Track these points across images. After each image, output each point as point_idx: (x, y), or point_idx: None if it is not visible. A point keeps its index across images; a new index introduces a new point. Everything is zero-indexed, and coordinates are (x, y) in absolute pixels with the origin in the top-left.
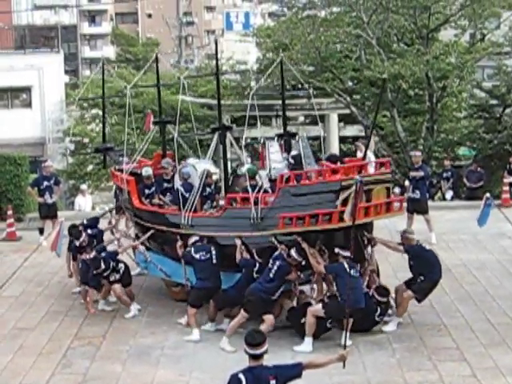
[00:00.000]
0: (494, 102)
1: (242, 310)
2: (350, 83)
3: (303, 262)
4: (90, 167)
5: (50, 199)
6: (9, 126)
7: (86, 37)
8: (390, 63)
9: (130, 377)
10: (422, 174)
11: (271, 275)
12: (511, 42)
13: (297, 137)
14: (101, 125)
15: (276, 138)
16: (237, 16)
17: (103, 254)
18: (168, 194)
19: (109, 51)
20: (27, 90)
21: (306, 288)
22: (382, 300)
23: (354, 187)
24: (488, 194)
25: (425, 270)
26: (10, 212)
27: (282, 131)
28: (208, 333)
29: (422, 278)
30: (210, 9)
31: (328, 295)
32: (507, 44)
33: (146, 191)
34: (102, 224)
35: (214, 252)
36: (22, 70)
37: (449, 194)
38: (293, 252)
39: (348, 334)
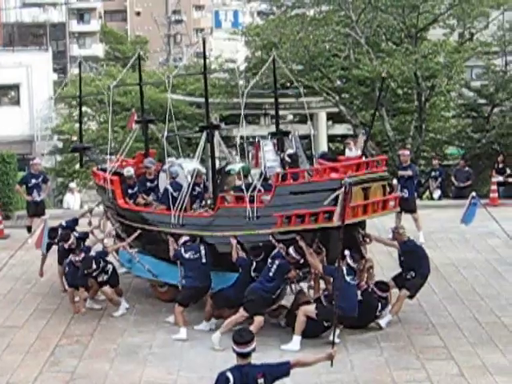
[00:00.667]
0: (483, 101)
1: (241, 309)
2: (339, 82)
3: (301, 261)
4: (78, 165)
5: (38, 197)
6: None
7: (75, 35)
8: (379, 62)
9: (117, 375)
10: (410, 173)
11: (271, 274)
12: (500, 42)
13: (290, 135)
14: (89, 122)
15: (269, 137)
16: (226, 14)
17: (93, 254)
18: (152, 193)
19: (97, 49)
20: (15, 87)
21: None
22: (382, 295)
23: (342, 189)
24: (474, 193)
25: (416, 265)
26: None
27: (273, 130)
28: (196, 332)
29: (412, 273)
30: (199, 7)
31: (325, 294)
32: (496, 44)
33: (129, 191)
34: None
35: (203, 252)
36: (10, 68)
37: (436, 193)
38: (291, 250)
39: (337, 332)
